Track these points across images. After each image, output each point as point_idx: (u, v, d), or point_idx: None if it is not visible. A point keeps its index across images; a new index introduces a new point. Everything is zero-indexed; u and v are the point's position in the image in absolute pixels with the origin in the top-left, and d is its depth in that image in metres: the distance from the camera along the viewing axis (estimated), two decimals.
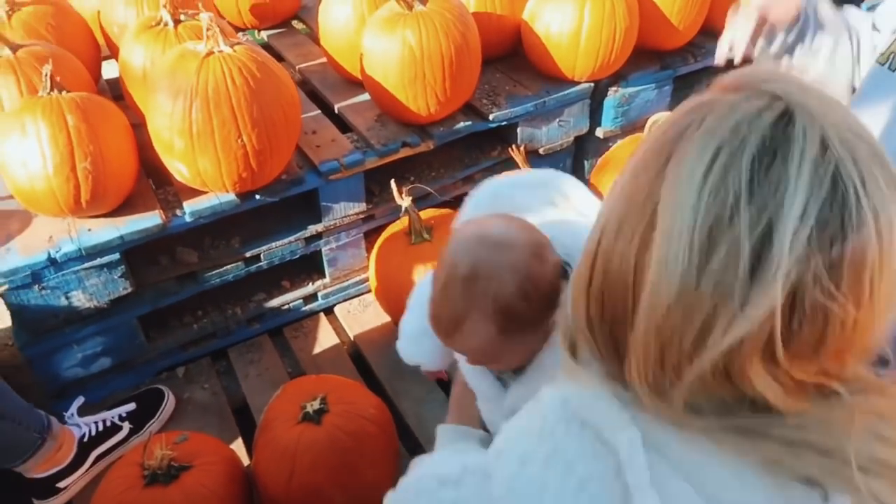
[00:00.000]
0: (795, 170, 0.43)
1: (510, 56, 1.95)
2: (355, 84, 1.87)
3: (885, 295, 0.45)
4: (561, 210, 0.98)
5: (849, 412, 0.47)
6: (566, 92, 1.85)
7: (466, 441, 0.97)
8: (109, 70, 1.96)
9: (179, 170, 1.45)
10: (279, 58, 2.12)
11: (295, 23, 2.28)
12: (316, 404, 1.21)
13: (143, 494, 1.12)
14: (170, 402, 1.53)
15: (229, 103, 1.36)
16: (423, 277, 1.20)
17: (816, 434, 0.47)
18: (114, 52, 1.83)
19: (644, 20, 1.82)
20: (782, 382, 0.46)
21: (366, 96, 1.85)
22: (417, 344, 1.09)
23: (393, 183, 1.57)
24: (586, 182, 1.96)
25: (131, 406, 1.47)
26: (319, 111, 1.82)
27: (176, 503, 1.12)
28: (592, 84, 1.88)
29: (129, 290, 1.49)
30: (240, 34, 2.18)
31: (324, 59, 2.01)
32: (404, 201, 1.57)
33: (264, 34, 2.22)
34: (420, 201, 1.72)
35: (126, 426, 1.45)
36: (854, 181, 0.43)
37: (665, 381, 0.48)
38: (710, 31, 1.99)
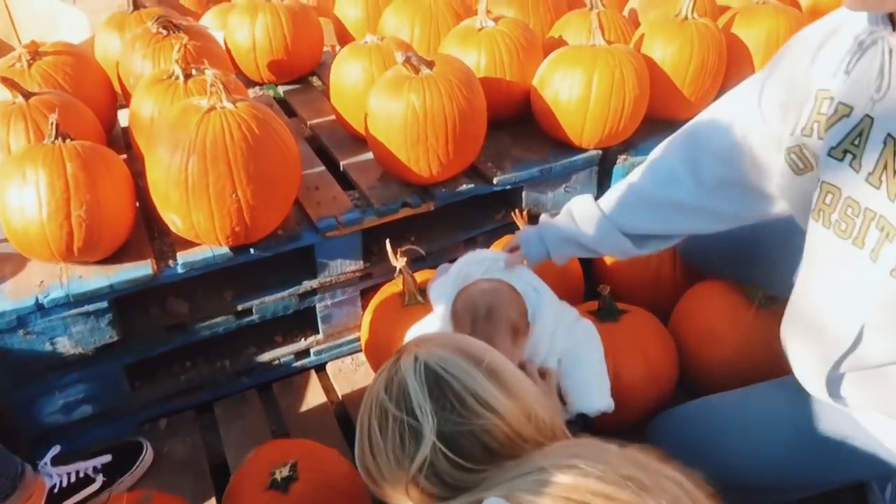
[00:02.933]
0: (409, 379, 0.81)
1: (519, 120, 1.94)
2: (362, 142, 1.88)
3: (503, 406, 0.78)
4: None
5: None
6: (573, 158, 1.83)
7: None
8: (125, 120, 2.00)
9: (174, 221, 1.45)
10: (292, 113, 2.16)
11: (312, 79, 2.32)
12: (285, 471, 1.17)
13: None
14: (147, 456, 1.50)
15: (226, 158, 1.37)
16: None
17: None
18: (129, 103, 1.87)
19: (655, 89, 1.81)
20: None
21: (371, 155, 1.85)
22: None
23: (388, 243, 1.55)
24: None
25: (107, 458, 1.44)
26: (324, 168, 1.83)
27: None
28: (601, 151, 1.86)
29: (116, 338, 1.48)
30: (257, 88, 2.24)
31: (334, 116, 2.04)
32: (399, 262, 1.55)
33: (281, 89, 2.26)
34: (418, 262, 1.70)
35: (99, 478, 1.41)
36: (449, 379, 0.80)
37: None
38: None
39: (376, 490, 0.85)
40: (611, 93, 1.70)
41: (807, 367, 1.14)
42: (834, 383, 1.12)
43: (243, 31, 2.11)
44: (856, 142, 0.96)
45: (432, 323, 1.39)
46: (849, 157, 0.97)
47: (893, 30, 0.92)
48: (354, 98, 1.80)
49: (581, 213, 1.43)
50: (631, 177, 1.42)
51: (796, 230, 1.17)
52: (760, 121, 1.19)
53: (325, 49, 2.37)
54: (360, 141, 1.89)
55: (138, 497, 1.18)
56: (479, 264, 1.42)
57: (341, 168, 1.85)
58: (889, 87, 0.91)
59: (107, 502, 1.14)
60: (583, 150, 1.84)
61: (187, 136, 1.37)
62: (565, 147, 1.85)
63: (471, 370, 0.79)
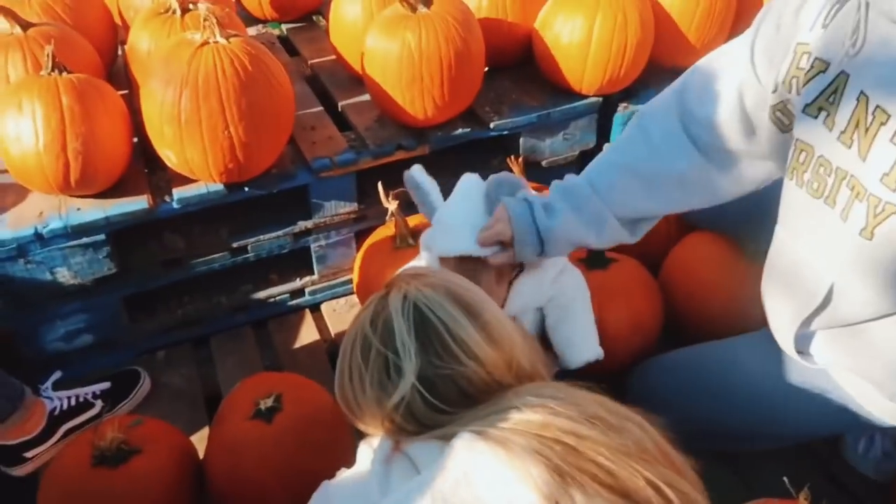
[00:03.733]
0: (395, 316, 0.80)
1: (520, 65, 1.91)
2: (362, 82, 1.87)
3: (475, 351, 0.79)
4: None
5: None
6: (573, 105, 1.81)
7: None
8: None
9: (169, 157, 1.46)
10: (294, 52, 2.14)
11: (316, 17, 2.29)
12: (269, 402, 1.21)
13: (90, 474, 1.13)
14: (145, 385, 1.55)
15: (218, 94, 1.37)
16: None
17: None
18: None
19: (659, 34, 1.77)
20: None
21: (368, 97, 1.84)
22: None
23: (380, 185, 1.55)
24: None
25: (106, 385, 1.50)
26: (322, 108, 1.83)
27: (118, 485, 1.12)
28: (601, 98, 1.83)
29: (114, 270, 1.51)
30: (259, 25, 2.21)
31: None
32: (390, 205, 1.56)
33: (284, 27, 2.24)
34: (411, 206, 1.70)
35: (98, 404, 1.47)
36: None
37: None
38: None
39: (353, 419, 0.87)
40: (612, 36, 1.67)
41: (780, 323, 1.14)
42: (804, 340, 1.13)
43: None
44: (830, 98, 0.93)
45: (419, 263, 1.40)
46: (823, 114, 0.94)
47: None
48: (354, 36, 1.78)
49: (581, 206, 1.23)
50: (616, 155, 1.27)
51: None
52: (755, 79, 1.14)
53: None
54: (359, 81, 1.87)
55: (129, 421, 1.23)
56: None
57: (339, 108, 1.84)
58: (864, 43, 0.88)
59: (99, 425, 1.19)
60: (583, 97, 1.82)
61: (180, 71, 1.37)
62: (565, 93, 1.82)
63: (458, 316, 0.79)
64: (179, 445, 1.26)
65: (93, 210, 1.45)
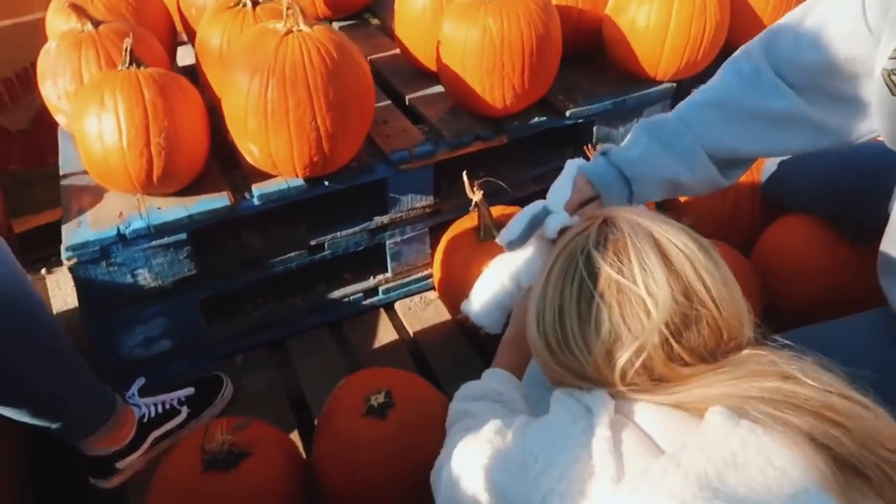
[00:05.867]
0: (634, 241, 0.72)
1: (589, 54, 1.87)
2: (427, 76, 1.83)
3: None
4: None
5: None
6: (647, 91, 1.77)
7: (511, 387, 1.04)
8: (181, 57, 1.97)
9: (252, 151, 1.42)
10: None
11: (367, 15, 2.26)
12: (381, 398, 1.15)
13: (204, 479, 1.08)
14: (228, 390, 1.50)
15: (306, 83, 1.33)
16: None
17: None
18: (190, 36, 1.83)
19: (735, 17, 1.73)
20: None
21: (438, 88, 1.80)
22: (487, 312, 1.32)
23: (465, 175, 1.51)
24: None
25: (190, 391, 1.44)
26: (390, 101, 1.78)
27: (236, 490, 1.07)
28: (674, 84, 1.79)
29: (194, 271, 1.47)
30: None
31: (394, 52, 1.98)
32: (475, 195, 1.51)
33: (336, 25, 2.20)
34: (488, 198, 1.66)
35: (184, 410, 1.42)
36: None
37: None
38: None
39: (553, 369, 0.75)
40: (692, 18, 1.63)
41: None
42: None
43: None
44: None
45: (526, 253, 1.35)
46: None
47: None
48: (422, 28, 1.74)
49: (669, 139, 1.19)
50: (709, 93, 1.21)
51: (893, 158, 1.09)
52: (866, 30, 1.08)
53: None
54: (424, 75, 1.84)
55: (234, 423, 1.17)
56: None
57: (407, 103, 1.80)
58: None
59: (207, 426, 1.13)
60: (656, 83, 1.78)
61: (265, 61, 1.33)
62: (637, 80, 1.78)
63: (699, 252, 0.71)
64: (286, 447, 1.20)
65: (174, 208, 1.40)
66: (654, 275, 0.68)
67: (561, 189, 1.27)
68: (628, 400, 0.69)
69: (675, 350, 0.68)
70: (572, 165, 1.28)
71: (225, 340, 1.62)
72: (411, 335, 1.70)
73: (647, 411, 0.68)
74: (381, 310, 1.76)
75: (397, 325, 1.73)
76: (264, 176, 1.49)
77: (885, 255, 1.14)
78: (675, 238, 0.71)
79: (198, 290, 1.52)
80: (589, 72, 1.84)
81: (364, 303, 1.74)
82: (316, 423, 1.27)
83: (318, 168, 1.43)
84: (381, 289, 1.75)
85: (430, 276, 1.77)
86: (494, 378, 1.07)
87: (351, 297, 1.72)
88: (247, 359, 1.62)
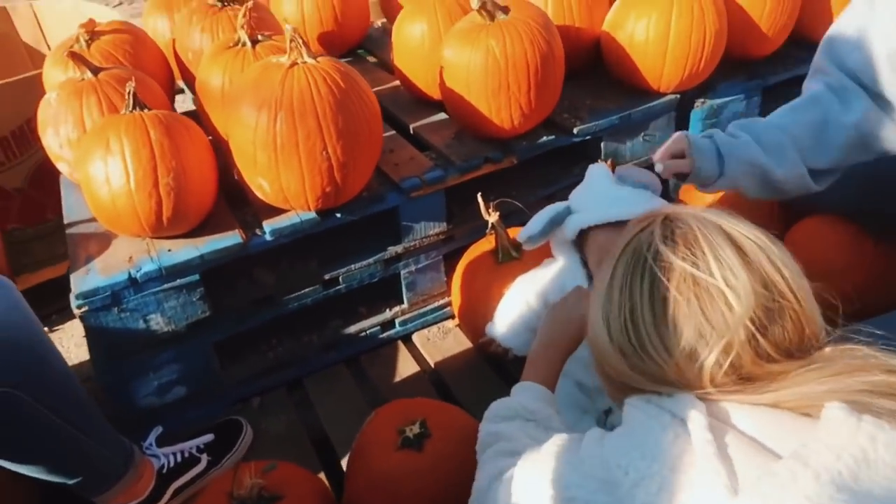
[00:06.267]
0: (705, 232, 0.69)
1: (588, 71, 1.87)
2: (429, 104, 1.83)
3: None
4: None
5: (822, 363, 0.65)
6: (652, 104, 1.76)
7: (544, 403, 1.00)
8: (179, 105, 1.95)
9: (262, 186, 1.39)
10: None
11: (361, 52, 2.26)
12: (416, 428, 1.11)
13: None
14: (248, 434, 1.44)
15: (314, 113, 1.31)
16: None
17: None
18: (187, 80, 1.82)
19: (731, 25, 1.74)
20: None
21: (441, 115, 1.79)
22: (514, 334, 1.40)
23: (479, 197, 1.49)
24: (674, 199, 1.86)
25: (209, 437, 1.39)
26: (395, 132, 1.77)
27: None
28: (678, 96, 1.79)
29: (207, 313, 1.42)
30: None
31: (394, 84, 1.98)
32: (492, 217, 1.49)
33: None
34: (509, 217, 1.63)
35: (204, 458, 1.36)
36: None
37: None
38: (799, 39, 1.90)
39: (627, 374, 0.70)
40: (691, 28, 1.63)
41: None
42: None
43: (292, 4, 2.05)
44: None
45: (551, 271, 1.33)
46: None
47: None
48: (421, 56, 1.74)
49: (761, 135, 1.22)
50: (790, 113, 1.25)
51: None
52: None
53: (372, 24, 2.31)
54: (425, 104, 1.84)
55: (263, 466, 1.11)
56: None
57: (411, 131, 1.79)
58: None
59: (235, 471, 1.08)
60: (660, 95, 1.78)
61: (272, 94, 1.31)
62: (641, 93, 1.78)
63: (773, 246, 0.67)
64: (318, 488, 1.15)
65: (185, 249, 1.37)
66: (731, 266, 0.65)
67: (584, 192, 1.28)
68: (718, 402, 0.65)
69: (761, 346, 0.64)
70: (595, 169, 1.29)
71: (240, 383, 1.56)
72: (432, 366, 1.65)
73: (744, 413, 0.63)
74: (399, 342, 1.72)
75: (417, 356, 1.68)
76: (275, 211, 1.46)
77: None
78: (746, 230, 0.68)
79: (211, 333, 1.47)
80: (590, 89, 1.84)
81: (381, 336, 1.70)
82: (345, 461, 1.21)
83: (330, 200, 1.41)
84: (397, 321, 1.70)
85: (447, 304, 1.74)
86: (525, 393, 1.02)
87: (368, 332, 1.68)
88: (263, 401, 1.57)
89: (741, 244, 0.67)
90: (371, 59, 2.25)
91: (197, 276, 1.38)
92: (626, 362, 0.70)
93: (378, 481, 1.08)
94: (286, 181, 1.35)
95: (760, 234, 0.69)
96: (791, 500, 0.52)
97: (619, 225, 1.13)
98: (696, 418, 0.62)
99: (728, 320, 0.64)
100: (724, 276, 0.65)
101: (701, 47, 1.66)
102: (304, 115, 1.31)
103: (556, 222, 1.27)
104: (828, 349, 0.66)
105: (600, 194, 1.23)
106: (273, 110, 1.31)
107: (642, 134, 1.80)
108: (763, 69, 1.88)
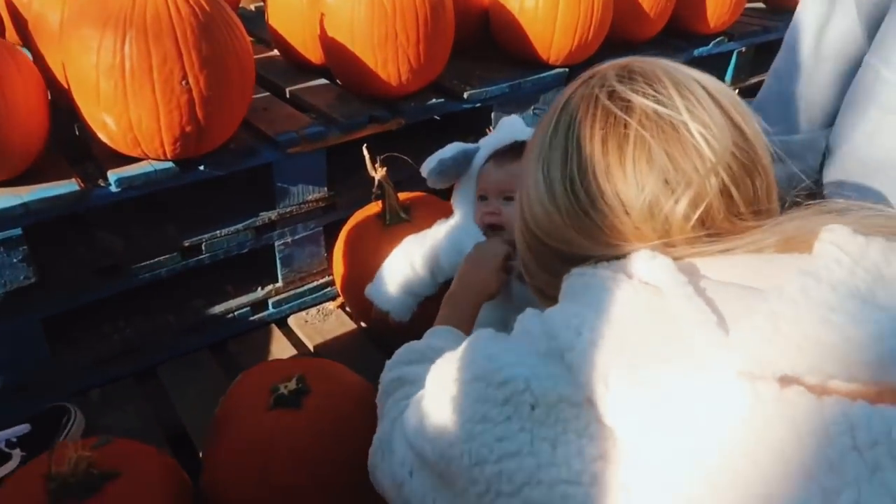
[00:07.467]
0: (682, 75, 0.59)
1: (478, 44, 1.81)
2: (308, 71, 1.68)
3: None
4: None
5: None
6: (542, 75, 1.72)
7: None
8: None
9: (106, 124, 1.17)
10: None
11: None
12: (292, 384, 0.92)
13: None
14: (77, 423, 1.17)
15: (172, 35, 1.12)
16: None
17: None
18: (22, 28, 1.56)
19: (616, 2, 1.74)
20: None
21: (321, 81, 1.65)
22: (395, 296, 1.25)
23: (365, 149, 1.34)
24: None
25: (24, 428, 1.11)
26: (269, 93, 1.60)
27: None
28: (567, 70, 1.76)
29: (32, 279, 1.16)
30: None
31: (269, 54, 1.82)
32: (378, 173, 1.35)
33: None
34: (396, 177, 1.49)
35: (17, 454, 1.08)
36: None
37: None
38: (676, 28, 1.95)
39: (578, 227, 0.58)
40: None
41: None
42: None
43: None
44: None
45: (444, 229, 1.22)
46: None
47: None
48: (299, 15, 1.59)
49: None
50: None
51: None
52: None
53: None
54: (304, 71, 1.69)
55: (92, 442, 0.88)
56: None
57: (287, 95, 1.62)
58: None
59: (53, 449, 0.84)
60: (550, 67, 1.73)
61: (121, 9, 1.12)
62: (531, 65, 1.73)
63: (737, 97, 0.58)
64: (168, 465, 0.92)
65: (3, 197, 1.12)
66: (702, 103, 0.55)
67: (496, 134, 1.24)
68: (682, 259, 0.54)
69: (734, 200, 0.55)
70: (508, 118, 1.27)
71: (77, 371, 1.29)
72: (312, 350, 1.45)
73: (717, 264, 0.53)
74: (273, 326, 1.51)
75: (294, 341, 1.48)
76: (124, 161, 1.24)
77: None
78: (707, 77, 0.59)
79: (39, 307, 1.20)
80: (479, 59, 1.77)
81: (252, 318, 1.48)
82: (203, 440, 0.99)
83: (190, 145, 1.21)
84: (270, 301, 1.50)
85: (328, 284, 1.56)
86: (436, 336, 0.88)
87: (236, 313, 1.46)
88: (106, 393, 1.30)
89: (707, 85, 0.58)
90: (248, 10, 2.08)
91: (19, 230, 1.12)
92: (572, 224, 0.58)
93: (248, 447, 0.88)
94: (136, 116, 1.14)
95: (721, 83, 0.60)
96: (808, 315, 0.42)
97: None
98: (662, 263, 0.52)
99: (698, 166, 0.54)
100: (693, 113, 0.55)
101: (590, 15, 1.64)
102: (160, 36, 1.12)
103: (467, 157, 1.18)
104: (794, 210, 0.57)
105: (516, 133, 1.18)
106: (121, 28, 1.11)
107: (532, 107, 1.74)
108: (643, 54, 1.90)
